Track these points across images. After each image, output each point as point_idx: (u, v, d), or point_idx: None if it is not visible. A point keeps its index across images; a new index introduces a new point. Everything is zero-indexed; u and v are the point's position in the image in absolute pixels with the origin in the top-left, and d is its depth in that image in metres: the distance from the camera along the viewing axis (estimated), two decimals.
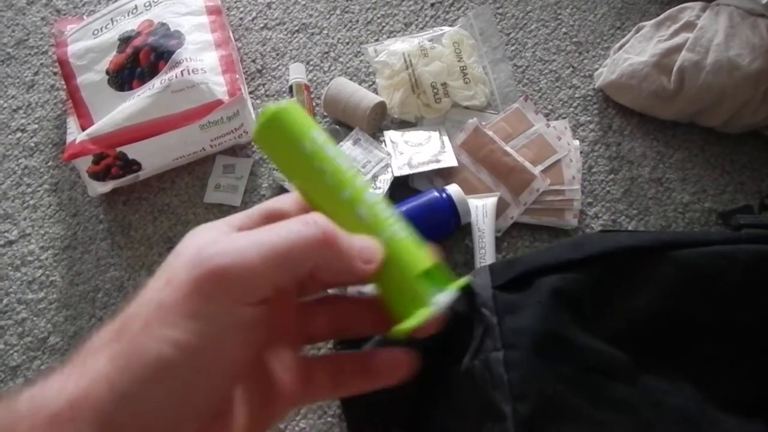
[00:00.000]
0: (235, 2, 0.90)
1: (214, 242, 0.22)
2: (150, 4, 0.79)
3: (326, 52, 0.85)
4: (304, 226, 0.23)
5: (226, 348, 0.21)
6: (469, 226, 0.70)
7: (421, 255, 0.28)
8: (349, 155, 0.74)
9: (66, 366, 0.21)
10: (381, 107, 0.77)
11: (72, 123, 0.76)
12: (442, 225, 0.69)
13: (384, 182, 0.71)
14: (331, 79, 0.80)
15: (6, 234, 0.77)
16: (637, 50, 0.78)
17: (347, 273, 0.24)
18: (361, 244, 0.24)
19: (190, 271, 0.21)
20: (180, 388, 0.20)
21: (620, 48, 0.81)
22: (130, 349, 0.20)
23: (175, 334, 0.20)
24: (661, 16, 0.80)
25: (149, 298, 0.21)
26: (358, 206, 0.27)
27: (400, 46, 0.80)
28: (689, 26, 0.76)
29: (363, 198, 0.27)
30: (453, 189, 0.69)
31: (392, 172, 0.72)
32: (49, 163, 0.80)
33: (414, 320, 0.26)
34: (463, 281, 0.29)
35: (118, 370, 0.20)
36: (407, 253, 0.28)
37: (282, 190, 0.75)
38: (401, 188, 0.74)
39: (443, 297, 0.28)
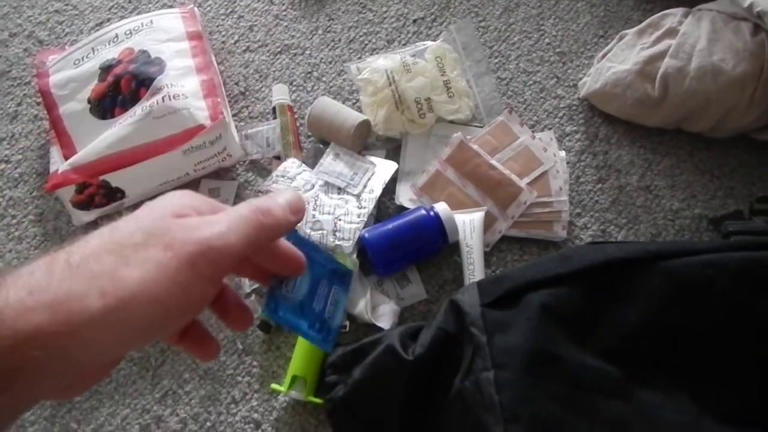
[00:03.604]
0: (217, 26, 0.90)
1: (200, 223, 0.27)
2: (130, 33, 0.79)
3: (309, 72, 0.85)
4: (255, 213, 0.28)
5: (189, 311, 0.27)
6: (457, 242, 0.69)
7: (314, 366, 0.63)
8: (333, 170, 0.73)
9: (54, 265, 0.25)
10: (365, 125, 0.77)
11: (55, 152, 0.76)
12: (430, 244, 0.68)
13: (369, 201, 0.70)
14: (315, 98, 0.79)
15: None
16: (620, 58, 0.77)
17: (284, 230, 0.30)
18: (288, 200, 0.30)
19: (190, 245, 0.26)
20: (145, 325, 0.25)
21: (603, 57, 0.80)
22: (125, 295, 0.24)
23: (163, 294, 0.25)
24: (643, 24, 0.79)
25: (146, 256, 0.25)
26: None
27: (383, 62, 0.79)
28: (671, 33, 0.76)
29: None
30: (441, 207, 0.68)
31: (375, 191, 0.71)
32: (34, 194, 0.80)
33: (278, 387, 0.63)
34: (309, 397, 0.62)
35: (106, 307, 0.24)
36: (308, 366, 0.63)
37: None
38: (387, 206, 0.74)
39: (293, 393, 0.62)
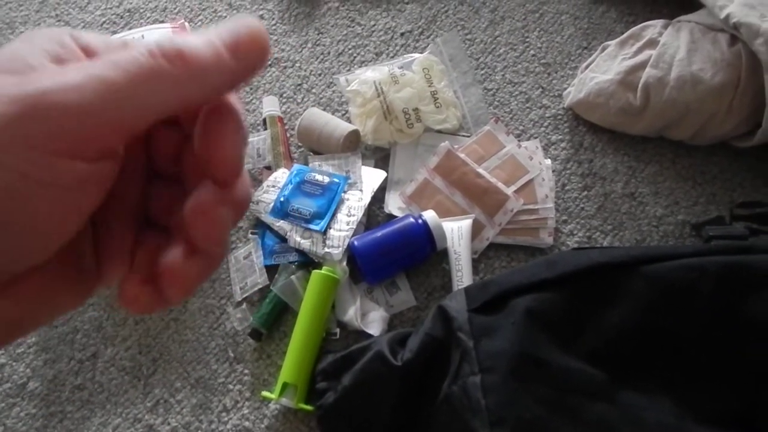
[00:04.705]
0: None
1: (51, 71, 0.16)
2: None
3: (299, 84, 0.86)
4: (147, 55, 0.16)
5: (40, 211, 0.16)
6: (445, 249, 0.70)
7: (304, 374, 0.63)
8: (326, 170, 0.75)
9: None
10: (355, 135, 0.78)
11: None
12: (418, 251, 0.69)
13: (358, 210, 0.71)
14: (305, 110, 0.81)
15: None
16: (603, 69, 0.79)
17: (215, 82, 0.17)
18: (222, 35, 0.17)
19: (7, 102, 0.15)
20: None
21: (587, 67, 0.82)
22: None
23: None
24: (625, 35, 0.81)
25: None
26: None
27: (371, 74, 0.81)
28: (652, 43, 0.78)
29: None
30: (429, 215, 0.70)
31: (364, 199, 0.73)
32: None
33: (269, 395, 0.63)
34: (300, 405, 0.63)
35: None
36: (298, 374, 0.63)
37: (259, 222, 0.75)
38: (376, 214, 0.75)
39: (283, 401, 0.62)
